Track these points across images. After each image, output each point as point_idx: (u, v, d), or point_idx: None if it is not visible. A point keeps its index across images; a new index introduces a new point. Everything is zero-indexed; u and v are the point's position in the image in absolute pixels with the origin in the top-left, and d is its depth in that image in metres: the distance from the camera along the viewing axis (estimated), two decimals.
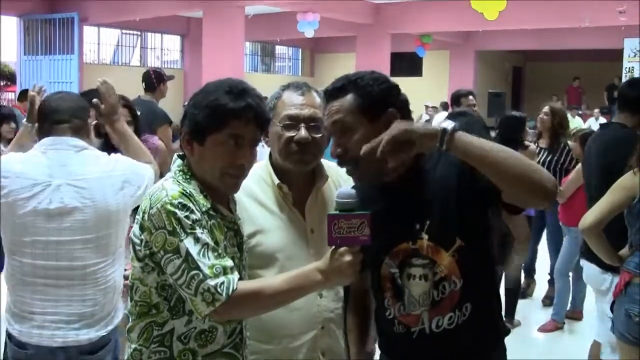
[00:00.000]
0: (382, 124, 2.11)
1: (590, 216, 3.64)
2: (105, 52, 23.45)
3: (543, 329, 6.51)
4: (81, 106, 3.16)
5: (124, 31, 23.26)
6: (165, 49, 25.11)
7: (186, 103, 2.23)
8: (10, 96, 23.08)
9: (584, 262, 4.40)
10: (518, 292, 6.50)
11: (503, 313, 6.19)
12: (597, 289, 4.31)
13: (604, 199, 3.62)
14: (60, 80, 17.50)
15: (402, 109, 2.22)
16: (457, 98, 7.65)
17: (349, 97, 2.18)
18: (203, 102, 2.13)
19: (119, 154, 3.25)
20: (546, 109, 6.83)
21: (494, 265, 2.30)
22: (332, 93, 2.22)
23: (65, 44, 18.07)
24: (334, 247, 2.01)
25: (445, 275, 2.16)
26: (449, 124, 1.95)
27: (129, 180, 3.09)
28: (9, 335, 3.05)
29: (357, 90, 2.18)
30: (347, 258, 2.00)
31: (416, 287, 2.19)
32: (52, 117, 3.07)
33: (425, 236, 2.17)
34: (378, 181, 2.25)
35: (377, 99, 2.17)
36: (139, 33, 23.76)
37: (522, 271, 7.43)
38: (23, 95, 10.94)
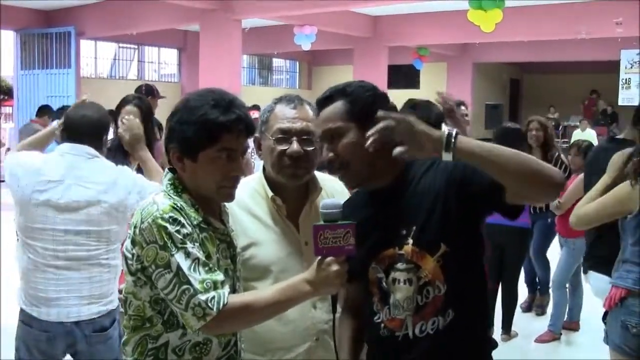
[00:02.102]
0: (370, 128, 2.15)
1: (582, 213, 3.67)
2: (102, 66, 23.52)
3: (540, 340, 6.51)
4: (103, 122, 3.60)
5: (121, 45, 23.32)
6: (163, 63, 25.18)
7: (168, 118, 2.20)
8: (7, 110, 23.06)
9: (591, 274, 4.32)
10: (515, 303, 6.49)
11: (500, 324, 6.21)
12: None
13: (599, 202, 3.59)
14: (57, 95, 17.45)
15: None
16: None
17: (338, 104, 2.23)
18: (191, 117, 2.11)
19: (125, 167, 3.67)
20: (535, 124, 6.70)
21: (481, 274, 2.30)
22: (322, 102, 2.28)
23: (62, 58, 18.07)
24: (320, 257, 2.03)
25: (429, 280, 2.17)
26: (450, 129, 1.97)
27: (130, 190, 3.48)
28: (26, 322, 3.45)
29: (345, 97, 2.24)
30: (334, 268, 2.02)
31: (400, 291, 2.20)
32: (75, 128, 3.53)
33: (411, 241, 2.18)
34: (368, 185, 2.30)
35: (364, 104, 2.21)
36: (136, 47, 23.82)
37: (526, 285, 7.45)
38: (41, 110, 10.98)
